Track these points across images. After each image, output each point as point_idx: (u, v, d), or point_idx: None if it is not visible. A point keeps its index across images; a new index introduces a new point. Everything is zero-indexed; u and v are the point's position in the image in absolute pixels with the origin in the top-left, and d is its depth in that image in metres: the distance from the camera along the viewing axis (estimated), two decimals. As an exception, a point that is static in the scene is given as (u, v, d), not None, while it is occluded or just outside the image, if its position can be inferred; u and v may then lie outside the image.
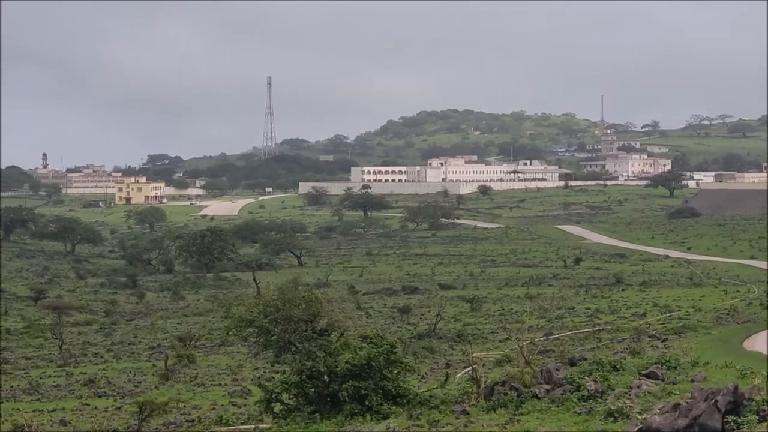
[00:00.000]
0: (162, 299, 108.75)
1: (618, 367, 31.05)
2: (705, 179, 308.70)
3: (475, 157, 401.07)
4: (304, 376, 32.81)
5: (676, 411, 20.84)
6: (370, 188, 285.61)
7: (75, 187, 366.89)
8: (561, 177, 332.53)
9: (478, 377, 31.23)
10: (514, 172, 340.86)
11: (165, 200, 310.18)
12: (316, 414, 32.40)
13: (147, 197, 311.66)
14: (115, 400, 49.80)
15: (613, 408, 24.60)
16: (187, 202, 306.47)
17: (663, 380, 28.73)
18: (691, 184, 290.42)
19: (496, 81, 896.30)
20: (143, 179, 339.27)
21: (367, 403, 31.72)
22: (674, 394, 25.31)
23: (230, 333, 43.80)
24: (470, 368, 35.50)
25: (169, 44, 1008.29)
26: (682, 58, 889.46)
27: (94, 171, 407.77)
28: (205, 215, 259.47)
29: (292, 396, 33.54)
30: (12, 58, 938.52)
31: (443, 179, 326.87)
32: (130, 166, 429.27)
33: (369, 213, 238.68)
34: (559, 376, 29.28)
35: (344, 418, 31.31)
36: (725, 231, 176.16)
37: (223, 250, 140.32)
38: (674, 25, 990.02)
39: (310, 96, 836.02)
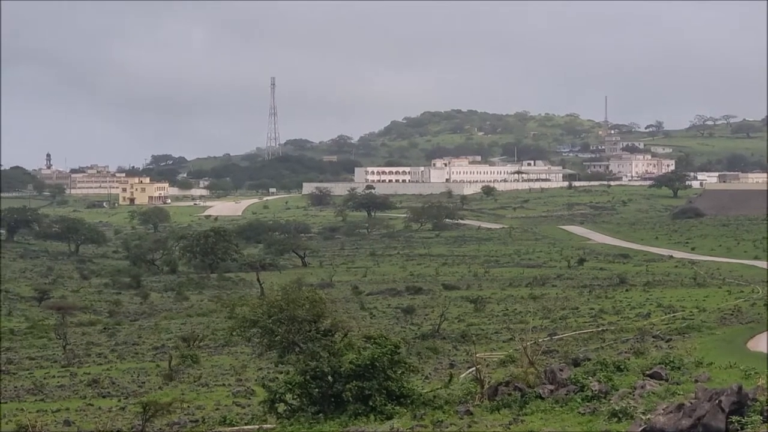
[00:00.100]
0: (166, 299, 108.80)
1: (622, 367, 31.00)
2: (709, 180, 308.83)
3: (478, 158, 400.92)
4: (307, 377, 32.80)
5: (680, 411, 20.83)
6: (374, 189, 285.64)
7: (79, 188, 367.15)
8: (565, 177, 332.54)
9: (482, 377, 31.18)
10: (518, 172, 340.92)
11: (169, 201, 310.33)
12: (320, 414, 32.40)
13: (151, 198, 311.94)
14: (119, 401, 49.82)
15: (617, 408, 24.57)
16: (191, 203, 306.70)
17: (667, 380, 28.69)
18: (695, 184, 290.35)
19: (500, 82, 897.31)
20: (147, 180, 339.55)
21: (370, 403, 31.71)
22: (678, 395, 25.27)
23: (234, 333, 43.85)
24: (474, 368, 35.48)
25: (173, 44, 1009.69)
26: (685, 58, 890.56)
27: (98, 171, 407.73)
28: (209, 216, 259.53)
29: (295, 396, 33.53)
30: (16, 58, 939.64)
31: (447, 180, 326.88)
32: (133, 167, 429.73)
33: (373, 213, 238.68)
34: (562, 377, 29.25)
35: (348, 418, 31.30)
36: (729, 231, 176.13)
37: (227, 250, 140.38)
38: (677, 24, 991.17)
39: (313, 96, 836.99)
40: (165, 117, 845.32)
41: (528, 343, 32.89)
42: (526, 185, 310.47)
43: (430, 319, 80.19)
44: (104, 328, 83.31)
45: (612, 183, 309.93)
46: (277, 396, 33.68)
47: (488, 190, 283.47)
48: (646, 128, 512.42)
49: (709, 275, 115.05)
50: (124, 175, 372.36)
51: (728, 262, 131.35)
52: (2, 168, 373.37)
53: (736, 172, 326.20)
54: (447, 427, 27.22)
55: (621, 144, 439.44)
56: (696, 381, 27.71)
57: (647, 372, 29.65)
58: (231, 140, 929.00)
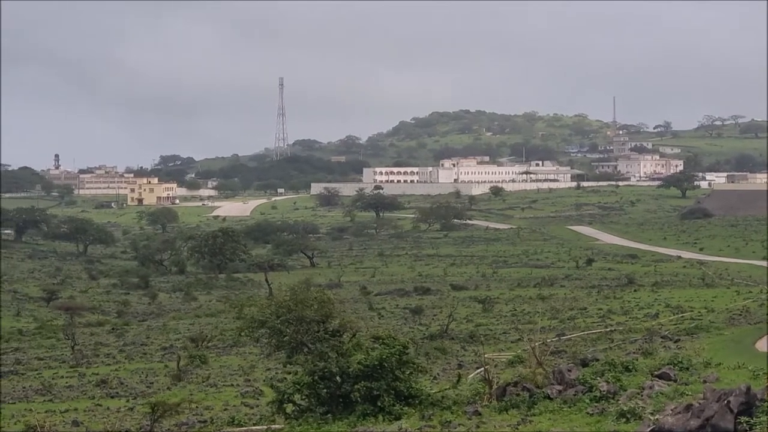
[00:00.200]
0: (174, 300, 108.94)
1: (630, 367, 30.96)
2: (717, 180, 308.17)
3: (487, 158, 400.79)
4: (316, 377, 32.80)
5: (688, 412, 20.82)
6: (382, 189, 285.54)
7: (87, 188, 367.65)
8: (573, 178, 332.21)
9: (491, 378, 31.17)
10: (526, 172, 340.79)
11: (177, 201, 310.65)
12: (329, 415, 32.38)
13: (159, 198, 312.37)
14: (128, 401, 49.86)
15: (625, 409, 24.56)
16: (199, 203, 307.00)
17: (675, 381, 28.66)
18: (704, 184, 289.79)
19: (508, 82, 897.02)
20: (155, 180, 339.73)
21: (379, 403, 31.69)
22: (686, 395, 25.25)
23: (242, 334, 43.90)
24: (482, 369, 35.50)
25: (181, 45, 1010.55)
26: (685, 59, 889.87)
27: (106, 172, 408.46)
28: (217, 216, 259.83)
29: (304, 397, 33.53)
30: (24, 59, 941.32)
31: (455, 180, 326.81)
32: (142, 167, 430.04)
33: (381, 214, 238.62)
34: (571, 377, 29.24)
35: (356, 418, 31.29)
36: (737, 232, 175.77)
37: (235, 250, 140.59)
38: (677, 24, 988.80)
39: (321, 97, 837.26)
40: (173, 118, 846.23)
41: (536, 344, 32.85)
42: (534, 185, 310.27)
43: (438, 320, 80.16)
44: (112, 329, 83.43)
45: (620, 183, 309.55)
46: (285, 396, 33.68)
47: (496, 191, 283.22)
48: (654, 128, 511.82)
49: (717, 276, 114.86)
50: (132, 175, 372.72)
51: (736, 263, 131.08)
52: (10, 168, 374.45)
53: (745, 173, 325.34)
54: (455, 428, 27.22)
55: (629, 144, 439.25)
56: (704, 381, 27.70)
57: (656, 372, 29.62)
58: (239, 141, 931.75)
